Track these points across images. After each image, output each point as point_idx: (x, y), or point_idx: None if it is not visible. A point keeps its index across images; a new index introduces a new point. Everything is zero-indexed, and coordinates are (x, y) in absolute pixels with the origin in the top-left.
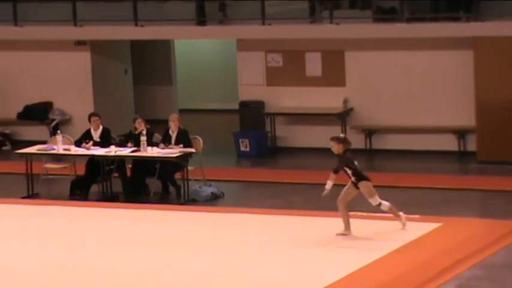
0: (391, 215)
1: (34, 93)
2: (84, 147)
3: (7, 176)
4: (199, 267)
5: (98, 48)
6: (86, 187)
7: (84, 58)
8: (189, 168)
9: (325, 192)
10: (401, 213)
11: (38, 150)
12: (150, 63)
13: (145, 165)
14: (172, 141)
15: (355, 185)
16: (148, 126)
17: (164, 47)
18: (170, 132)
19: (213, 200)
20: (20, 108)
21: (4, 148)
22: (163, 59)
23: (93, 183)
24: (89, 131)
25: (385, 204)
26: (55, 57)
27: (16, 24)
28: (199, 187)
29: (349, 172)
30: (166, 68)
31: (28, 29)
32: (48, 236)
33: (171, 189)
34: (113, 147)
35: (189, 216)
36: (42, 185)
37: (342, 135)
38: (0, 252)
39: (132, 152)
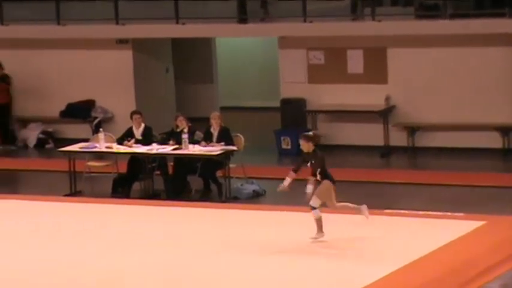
0: (315, 223)
1: (77, 91)
2: (126, 145)
3: (50, 173)
4: (244, 264)
5: (139, 46)
6: (127, 185)
7: (126, 56)
8: (231, 166)
9: (282, 187)
10: (323, 232)
11: (81, 148)
12: (191, 61)
13: (186, 163)
14: (214, 139)
15: (319, 183)
16: (190, 124)
17: (206, 45)
18: (212, 130)
19: (254, 198)
20: (63, 107)
21: (47, 146)
22: (205, 57)
23: (135, 181)
24: (130, 129)
25: (317, 212)
26: (97, 55)
27: (59, 23)
28: (241, 185)
29: (317, 170)
30: (207, 66)
31: (71, 27)
32: (90, 233)
33: (213, 187)
34: (154, 145)
35: (231, 214)
36: (85, 183)
37: (310, 132)
38: (45, 249)
39: (174, 149)
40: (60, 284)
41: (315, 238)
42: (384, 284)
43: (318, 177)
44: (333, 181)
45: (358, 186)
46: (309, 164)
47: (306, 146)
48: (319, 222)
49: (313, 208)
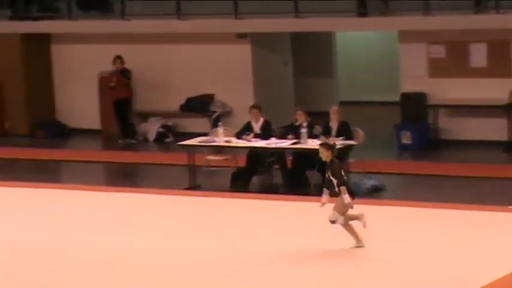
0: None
1: (196, 85)
2: (244, 139)
3: (170, 167)
4: (363, 258)
5: (258, 40)
6: (246, 179)
7: (244, 51)
8: (350, 160)
9: (321, 205)
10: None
11: (200, 142)
12: (310, 55)
13: (305, 158)
14: (333, 133)
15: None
16: (309, 118)
17: (325, 39)
18: (331, 124)
19: (373, 193)
20: (183, 101)
21: (167, 140)
22: (324, 51)
23: (253, 175)
24: (249, 123)
25: (340, 222)
26: (216, 50)
27: (179, 18)
28: (360, 180)
29: (334, 182)
30: (327, 60)
31: (191, 22)
32: (208, 226)
33: None
34: (273, 140)
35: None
36: (204, 177)
37: (331, 141)
38: (166, 241)
39: (293, 144)
40: (186, 277)
41: (357, 247)
42: (501, 285)
43: (337, 189)
44: (352, 195)
45: (481, 182)
46: (327, 175)
47: (325, 155)
48: (348, 228)
49: (332, 222)
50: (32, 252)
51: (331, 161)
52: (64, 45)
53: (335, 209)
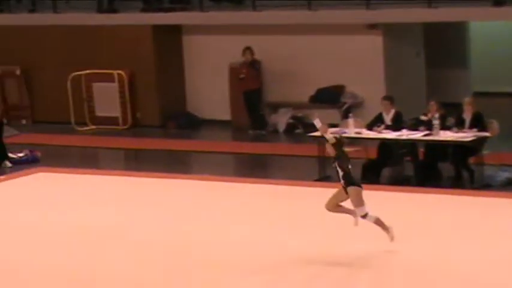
0: (378, 226)
1: (326, 76)
2: (375, 131)
3: (299, 158)
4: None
5: (389, 31)
6: (377, 170)
7: (376, 41)
8: (484, 152)
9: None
10: (390, 226)
11: (330, 133)
12: (443, 46)
13: (438, 150)
14: (466, 125)
15: (345, 189)
16: (441, 109)
17: (459, 29)
18: (464, 115)
19: (508, 185)
20: (312, 92)
21: (296, 131)
22: (458, 41)
23: (384, 167)
24: (380, 114)
25: (372, 216)
26: (347, 40)
27: (310, 9)
28: (495, 172)
29: (340, 174)
30: (460, 51)
31: (321, 13)
32: (337, 217)
33: (464, 174)
34: (404, 131)
35: (482, 202)
36: (334, 168)
37: (336, 135)
38: (293, 232)
39: (425, 135)
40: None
41: (391, 238)
42: None
43: (342, 182)
44: (359, 185)
45: None
46: (333, 165)
47: (330, 150)
48: (378, 222)
49: (363, 217)
50: (166, 243)
51: (337, 154)
52: (195, 37)
53: (355, 204)
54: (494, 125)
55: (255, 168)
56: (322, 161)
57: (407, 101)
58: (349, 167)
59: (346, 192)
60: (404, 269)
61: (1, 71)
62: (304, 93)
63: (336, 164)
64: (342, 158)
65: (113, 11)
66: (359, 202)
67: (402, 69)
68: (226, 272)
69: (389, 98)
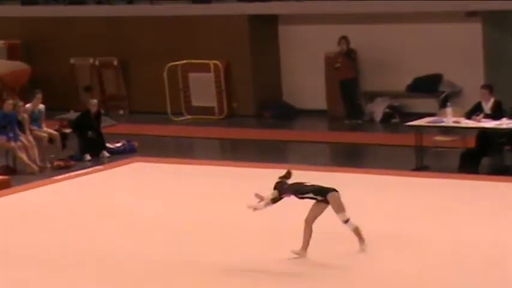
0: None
1: (423, 65)
2: (474, 120)
3: (396, 148)
4: None
5: (489, 19)
6: (476, 160)
7: (475, 29)
8: None
9: (252, 206)
10: (364, 238)
11: (428, 122)
12: None
13: None
14: None
15: (324, 201)
16: None
17: None
18: None
19: None
20: (409, 81)
21: (393, 121)
22: None
23: (483, 156)
24: (479, 103)
25: (352, 224)
26: (445, 29)
27: None
28: None
29: (311, 196)
30: None
31: (417, 2)
32: (435, 208)
33: None
34: (504, 120)
35: None
36: (432, 158)
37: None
38: (383, 220)
39: None
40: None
41: (362, 250)
42: None
43: (319, 198)
44: (334, 189)
45: None
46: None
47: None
48: (356, 232)
49: (345, 222)
50: (262, 233)
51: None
52: (291, 26)
53: (337, 210)
54: None
55: (351, 158)
56: (420, 150)
57: (507, 89)
58: (308, 183)
59: (327, 202)
60: None
61: (99, 62)
62: (401, 82)
63: (297, 197)
64: (287, 192)
65: (209, 1)
66: (340, 207)
67: (501, 57)
68: None
69: (488, 87)
